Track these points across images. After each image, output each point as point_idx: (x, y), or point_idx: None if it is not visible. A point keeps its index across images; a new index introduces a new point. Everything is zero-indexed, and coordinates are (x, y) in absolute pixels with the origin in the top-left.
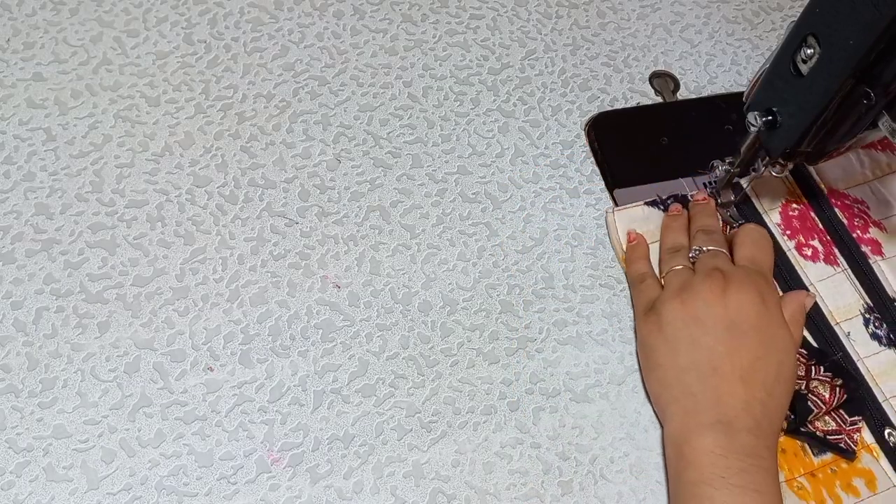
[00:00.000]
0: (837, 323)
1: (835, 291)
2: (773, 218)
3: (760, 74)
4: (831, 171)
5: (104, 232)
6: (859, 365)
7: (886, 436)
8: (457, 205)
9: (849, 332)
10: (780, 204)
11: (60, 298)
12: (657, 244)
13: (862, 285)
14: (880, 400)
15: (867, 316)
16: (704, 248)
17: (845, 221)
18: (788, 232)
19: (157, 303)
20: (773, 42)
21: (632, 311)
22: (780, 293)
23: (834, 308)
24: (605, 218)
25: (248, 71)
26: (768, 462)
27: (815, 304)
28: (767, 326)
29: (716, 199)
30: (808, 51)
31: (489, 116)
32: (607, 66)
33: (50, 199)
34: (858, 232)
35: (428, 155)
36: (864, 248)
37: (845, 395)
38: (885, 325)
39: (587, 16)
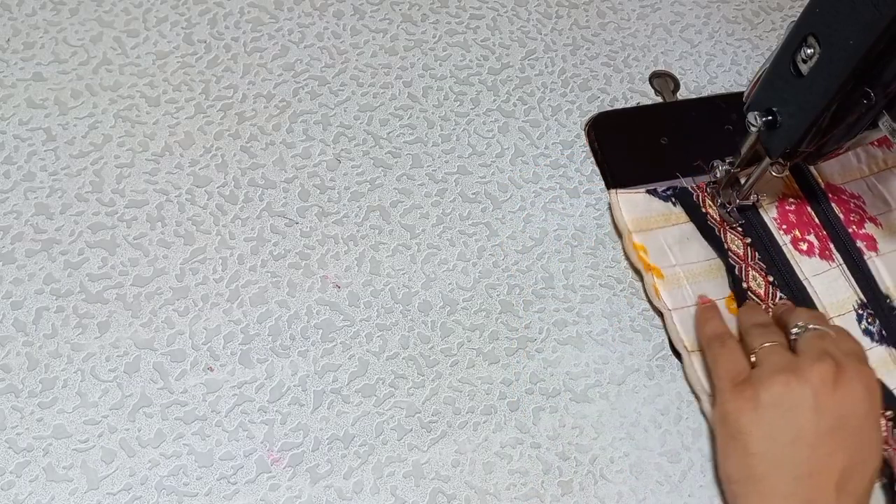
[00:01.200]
0: (830, 318)
1: (829, 287)
2: (769, 212)
3: (760, 74)
4: (829, 166)
5: (104, 232)
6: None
7: None
8: (457, 205)
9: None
10: (777, 199)
11: (60, 298)
12: (660, 230)
13: (856, 281)
14: None
15: (860, 312)
16: (810, 326)
17: (841, 216)
18: (784, 226)
19: (157, 303)
20: (773, 42)
21: (631, 311)
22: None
23: (828, 303)
24: (609, 197)
25: (248, 71)
26: None
27: (809, 297)
28: (871, 429)
29: (716, 199)
30: (808, 51)
31: (489, 116)
32: (607, 66)
33: (50, 199)
34: (854, 227)
35: (428, 155)
36: (860, 244)
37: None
38: (877, 322)
39: (587, 16)
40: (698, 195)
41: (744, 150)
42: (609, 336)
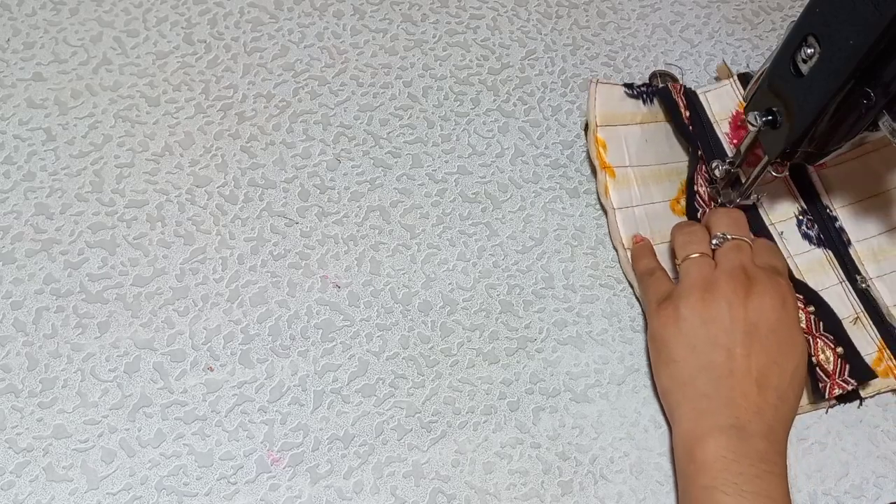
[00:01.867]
0: (772, 223)
1: (773, 196)
2: (722, 128)
3: (760, 74)
4: None
5: (104, 232)
6: (790, 262)
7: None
8: (457, 205)
9: (782, 232)
10: (730, 115)
11: (60, 298)
12: (624, 127)
13: (799, 191)
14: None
15: (800, 217)
16: (729, 236)
17: None
18: (735, 141)
19: (157, 303)
20: (773, 42)
21: (631, 311)
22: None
23: (770, 210)
24: (588, 88)
25: (248, 71)
26: (780, 468)
27: (754, 207)
28: (786, 331)
29: (716, 199)
30: (808, 51)
31: (489, 116)
32: (607, 66)
33: (50, 199)
34: None
35: (428, 155)
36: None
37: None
38: (815, 227)
39: (587, 16)
40: (677, 94)
41: (743, 149)
42: (609, 336)
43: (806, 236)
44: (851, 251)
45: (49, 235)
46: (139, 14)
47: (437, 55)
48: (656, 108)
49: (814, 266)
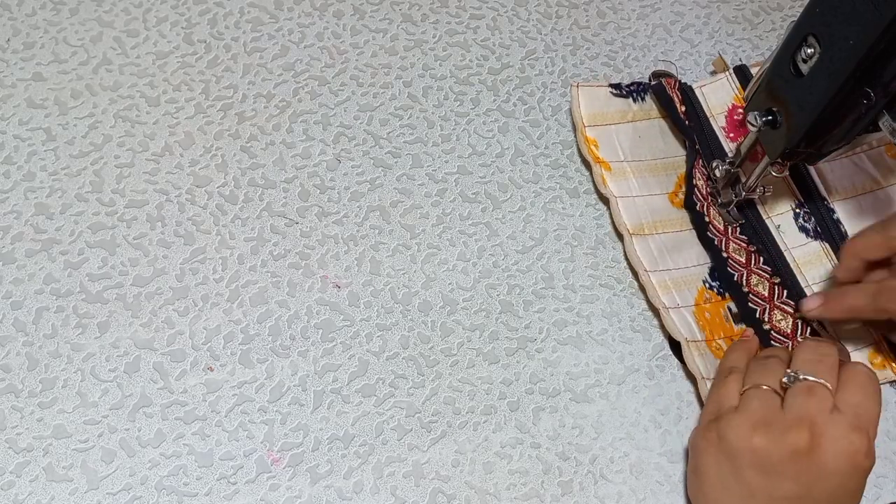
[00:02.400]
0: (769, 217)
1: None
2: (718, 122)
3: (760, 74)
4: None
5: (104, 232)
6: (787, 255)
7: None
8: (457, 205)
9: (779, 225)
10: (726, 108)
11: (60, 298)
12: (614, 126)
13: (797, 185)
14: (803, 286)
15: (797, 210)
16: (801, 377)
17: None
18: (731, 134)
19: (157, 303)
20: (773, 42)
21: (631, 311)
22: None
23: (768, 204)
24: (570, 91)
25: (248, 71)
26: None
27: (752, 200)
28: (846, 497)
29: (716, 199)
30: (808, 51)
31: (489, 116)
32: (607, 66)
33: (50, 199)
34: None
35: (428, 155)
36: None
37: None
38: (812, 219)
39: (587, 16)
40: (671, 89)
41: (743, 149)
42: (609, 336)
43: (803, 229)
44: None
45: (49, 235)
46: (139, 14)
47: (437, 55)
48: (648, 104)
49: (811, 258)
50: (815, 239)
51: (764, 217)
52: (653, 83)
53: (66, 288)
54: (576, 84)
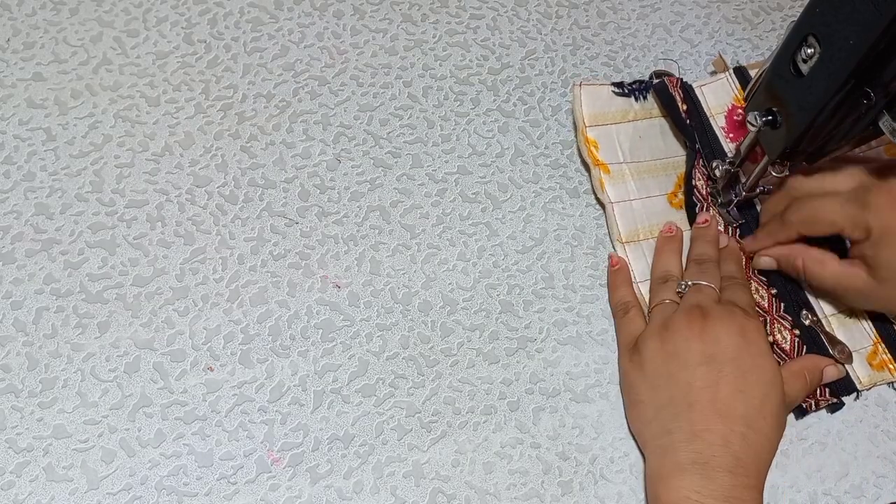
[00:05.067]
0: None
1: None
2: (718, 122)
3: (760, 74)
4: None
5: (104, 232)
6: None
7: (802, 317)
8: (457, 205)
9: None
10: (725, 109)
11: (60, 298)
12: (615, 126)
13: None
14: (806, 290)
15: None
16: (691, 283)
17: None
18: (731, 135)
19: (157, 303)
20: (773, 42)
21: None
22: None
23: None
24: (572, 90)
25: (248, 71)
26: (749, 503)
27: (751, 200)
28: (748, 358)
29: (716, 200)
30: (808, 51)
31: (489, 116)
32: (607, 66)
33: (50, 199)
34: None
35: (428, 155)
36: None
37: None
38: None
39: (587, 16)
40: (673, 88)
41: (743, 149)
42: (609, 336)
43: None
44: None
45: (49, 235)
46: (139, 14)
47: (437, 55)
48: (650, 104)
49: None
50: None
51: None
52: (655, 81)
53: (66, 288)
54: (578, 84)
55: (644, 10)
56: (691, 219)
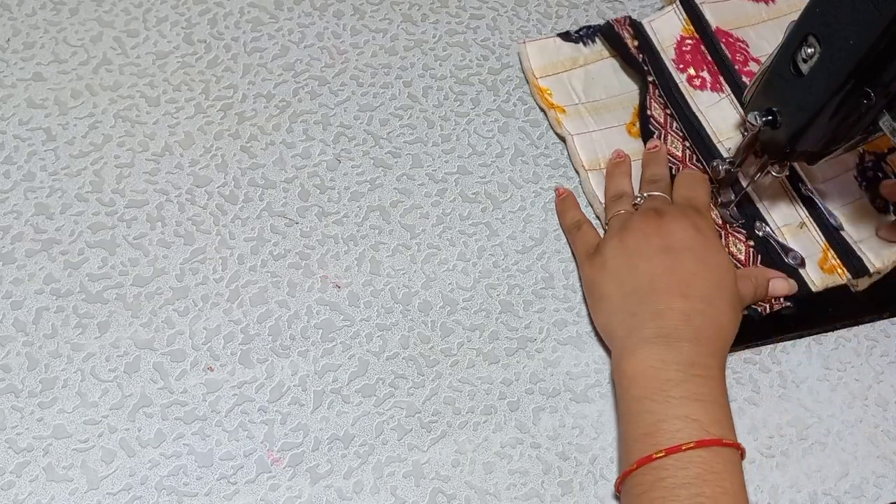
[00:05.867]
0: (720, 141)
1: (720, 115)
2: (668, 54)
3: (760, 74)
4: (721, 14)
5: (104, 232)
6: (739, 176)
7: (756, 229)
8: (457, 205)
9: (729, 148)
10: (675, 40)
11: (60, 298)
12: (566, 73)
13: (742, 108)
14: (756, 202)
15: (744, 132)
16: (645, 195)
17: (729, 56)
18: (681, 65)
19: (157, 303)
20: None
21: None
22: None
23: (717, 129)
24: (518, 51)
25: (248, 71)
26: (711, 371)
27: (702, 126)
28: (703, 247)
29: (716, 199)
30: (809, 50)
31: (489, 116)
32: None
33: (50, 199)
34: (739, 65)
35: (428, 155)
36: (744, 79)
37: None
38: None
39: (587, 16)
40: (619, 27)
41: (743, 149)
42: None
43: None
44: (796, 164)
45: (49, 235)
46: (139, 14)
47: (437, 55)
48: (599, 46)
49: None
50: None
51: (715, 142)
52: (596, 27)
53: (66, 288)
54: (522, 42)
55: (644, 10)
56: None
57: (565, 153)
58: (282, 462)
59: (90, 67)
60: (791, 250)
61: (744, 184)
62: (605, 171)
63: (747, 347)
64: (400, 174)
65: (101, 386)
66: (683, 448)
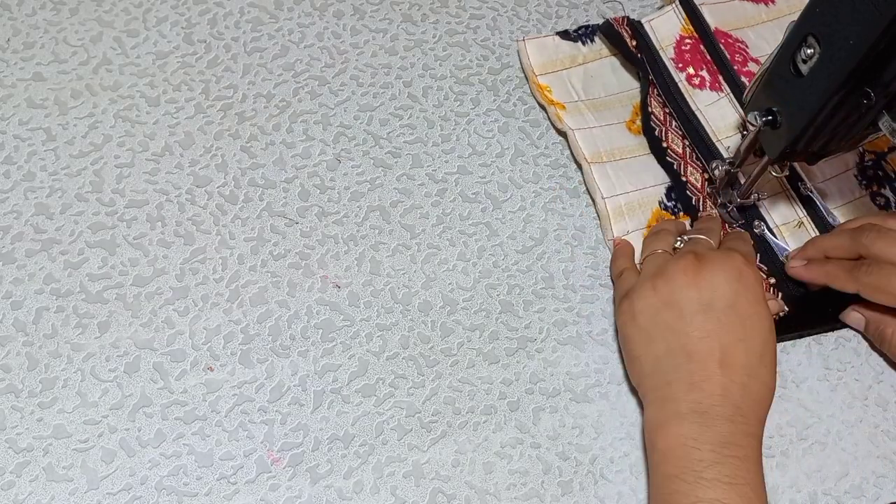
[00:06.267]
0: (719, 140)
1: (719, 113)
2: (667, 53)
3: (760, 74)
4: (720, 15)
5: (104, 232)
6: (739, 177)
7: (754, 227)
8: (457, 205)
9: (728, 147)
10: (674, 39)
11: (60, 298)
12: (565, 71)
13: (742, 108)
14: (755, 201)
15: (744, 133)
16: (688, 238)
17: (728, 56)
18: (680, 65)
19: (157, 303)
20: None
21: None
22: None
23: (716, 128)
24: (517, 48)
25: (248, 71)
26: (747, 451)
27: (701, 124)
28: (747, 305)
29: (716, 199)
30: (808, 51)
31: (489, 116)
32: None
33: (50, 199)
34: (738, 66)
35: (428, 155)
36: (743, 79)
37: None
38: None
39: (587, 15)
40: (619, 26)
41: (743, 149)
42: (609, 336)
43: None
44: (796, 164)
45: (49, 235)
46: (139, 14)
47: (437, 55)
48: (598, 45)
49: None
50: (762, 157)
51: (714, 140)
52: (600, 23)
53: (66, 288)
54: (521, 39)
55: (644, 10)
56: (651, 142)
57: (566, 153)
58: (282, 462)
59: (90, 67)
60: (786, 249)
61: (742, 183)
62: (607, 164)
63: None
64: (400, 174)
65: (101, 386)
66: None
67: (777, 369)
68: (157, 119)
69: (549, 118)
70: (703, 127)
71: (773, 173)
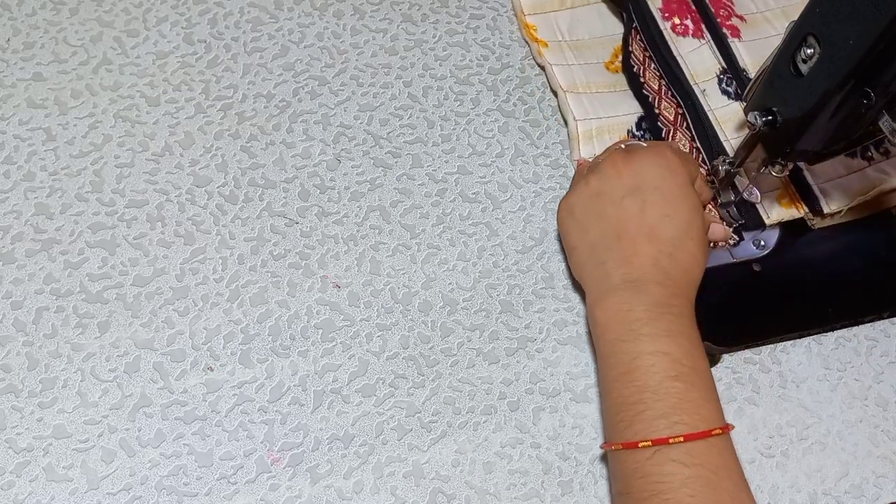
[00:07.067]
0: (696, 83)
1: (698, 58)
2: (655, 3)
3: (760, 74)
4: None
5: (104, 232)
6: (710, 114)
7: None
8: (457, 205)
9: (704, 90)
10: None
11: (60, 298)
12: (553, 13)
13: (721, 54)
14: (722, 140)
15: (721, 76)
16: (622, 146)
17: (713, 10)
18: (667, 14)
19: (157, 303)
20: None
21: None
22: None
23: (695, 71)
24: None
25: (248, 71)
26: (681, 308)
27: (680, 69)
28: (672, 186)
29: (716, 199)
30: (808, 51)
31: (489, 116)
32: None
33: (50, 199)
34: (721, 19)
35: (428, 155)
36: (725, 31)
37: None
38: (734, 84)
39: None
40: None
41: (743, 149)
42: None
43: (725, 92)
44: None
45: (49, 235)
46: (139, 14)
47: (437, 55)
48: None
49: (731, 116)
50: (736, 100)
51: (692, 84)
52: None
53: (66, 288)
54: None
55: None
56: (629, 78)
57: (566, 153)
58: (282, 462)
59: (90, 67)
60: (749, 187)
61: (744, 182)
62: (582, 94)
63: (747, 347)
64: (400, 174)
65: (101, 386)
66: (671, 441)
67: (707, 250)
68: (157, 119)
69: (531, 54)
70: (682, 71)
71: (774, 173)
